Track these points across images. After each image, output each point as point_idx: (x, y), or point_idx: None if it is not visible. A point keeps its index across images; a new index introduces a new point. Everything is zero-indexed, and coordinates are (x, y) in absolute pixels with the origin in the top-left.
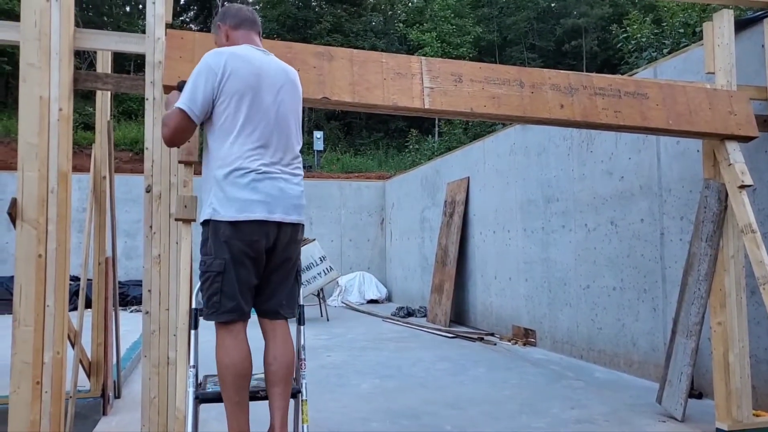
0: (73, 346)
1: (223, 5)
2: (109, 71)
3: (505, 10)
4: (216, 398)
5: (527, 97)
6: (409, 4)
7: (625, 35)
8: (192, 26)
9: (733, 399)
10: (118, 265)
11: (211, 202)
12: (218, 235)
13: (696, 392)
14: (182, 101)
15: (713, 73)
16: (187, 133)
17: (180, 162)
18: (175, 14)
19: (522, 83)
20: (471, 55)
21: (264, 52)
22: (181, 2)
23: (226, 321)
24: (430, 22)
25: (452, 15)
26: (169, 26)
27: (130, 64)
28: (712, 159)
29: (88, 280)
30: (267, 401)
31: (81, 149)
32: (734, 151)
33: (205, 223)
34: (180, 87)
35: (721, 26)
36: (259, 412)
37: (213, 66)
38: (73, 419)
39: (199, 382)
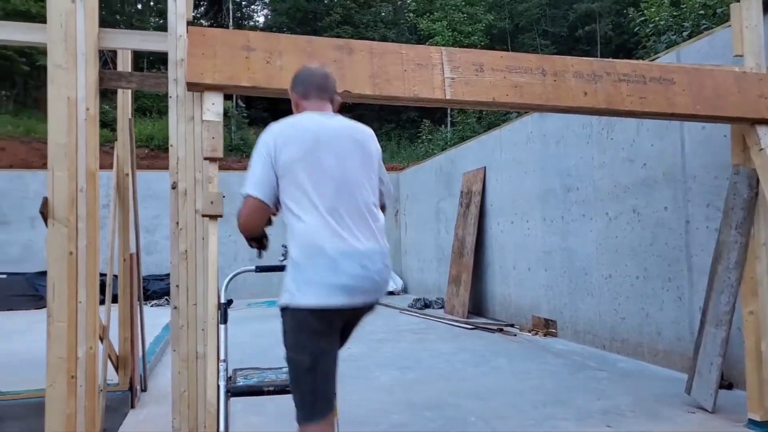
0: (101, 340)
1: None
2: (130, 70)
3: None
4: (246, 392)
5: (550, 86)
6: None
7: (642, 19)
8: (203, 22)
9: (765, 389)
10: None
11: (289, 287)
12: (300, 326)
13: (726, 383)
14: (247, 187)
15: (741, 55)
16: (261, 216)
17: (205, 159)
18: None
19: (544, 71)
20: (483, 43)
21: (328, 116)
22: None
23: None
24: (440, 11)
25: (463, 3)
26: (189, 23)
27: (143, 62)
28: (742, 144)
29: (114, 276)
30: (272, 395)
31: None
32: (765, 135)
33: (283, 310)
34: None
35: (749, 7)
36: (274, 404)
37: (267, 141)
38: (104, 412)
39: (228, 376)
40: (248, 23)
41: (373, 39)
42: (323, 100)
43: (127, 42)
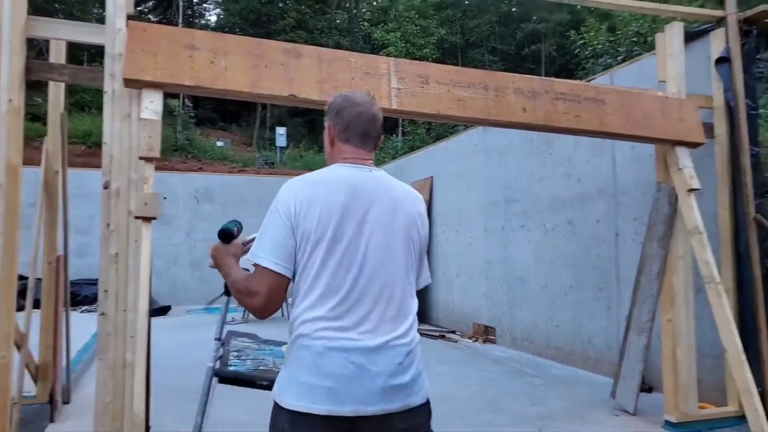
0: (18, 349)
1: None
2: (63, 62)
3: (468, 12)
4: (235, 380)
5: (492, 101)
6: (374, 3)
7: (582, 41)
8: (150, 17)
9: (680, 393)
10: (69, 263)
11: (279, 378)
12: (277, 426)
13: (647, 387)
14: (262, 255)
15: (665, 81)
16: (283, 290)
17: (140, 158)
18: (135, 4)
19: (487, 86)
20: (434, 56)
21: (365, 171)
22: None
23: None
24: (394, 22)
25: (416, 16)
26: (130, 17)
27: (83, 54)
28: (664, 163)
29: (37, 279)
30: (266, 390)
31: (27, 141)
32: (683, 156)
33: (274, 403)
34: (221, 235)
35: (672, 37)
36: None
37: (287, 200)
38: (18, 426)
39: (222, 343)
40: (199, 21)
41: (327, 45)
42: (366, 149)
43: (59, 32)
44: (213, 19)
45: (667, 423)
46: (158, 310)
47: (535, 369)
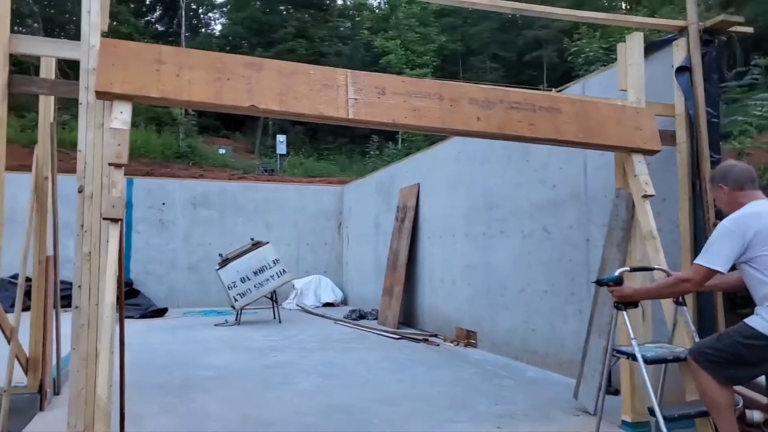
0: (8, 342)
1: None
2: (53, 76)
3: (469, 20)
4: (657, 361)
5: (447, 110)
6: (375, 11)
7: (575, 48)
8: (158, 26)
9: (636, 394)
10: (60, 265)
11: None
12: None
13: (613, 389)
14: (711, 261)
15: (626, 90)
16: (707, 278)
17: (110, 164)
18: (140, 14)
19: (442, 97)
20: (434, 64)
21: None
22: (147, 2)
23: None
24: (394, 30)
25: (417, 23)
26: (104, 34)
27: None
28: (622, 170)
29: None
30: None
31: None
32: (639, 163)
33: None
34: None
35: (632, 47)
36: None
37: (735, 230)
38: (7, 413)
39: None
40: (205, 31)
41: (328, 53)
42: (756, 189)
43: (40, 48)
44: (218, 28)
45: (624, 423)
46: (156, 312)
47: (509, 371)
